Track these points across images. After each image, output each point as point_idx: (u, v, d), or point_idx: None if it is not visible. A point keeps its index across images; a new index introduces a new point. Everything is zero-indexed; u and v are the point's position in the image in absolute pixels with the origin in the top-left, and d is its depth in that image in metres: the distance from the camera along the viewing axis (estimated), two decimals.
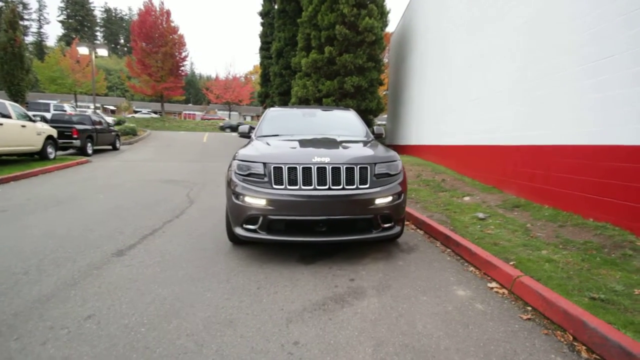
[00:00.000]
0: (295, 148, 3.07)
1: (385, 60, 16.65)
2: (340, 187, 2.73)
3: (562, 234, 3.47)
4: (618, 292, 2.23)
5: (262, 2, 18.88)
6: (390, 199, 2.85)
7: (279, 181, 2.74)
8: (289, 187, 2.72)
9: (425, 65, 10.42)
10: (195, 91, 62.67)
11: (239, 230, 2.88)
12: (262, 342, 1.80)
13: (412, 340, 1.80)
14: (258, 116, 55.56)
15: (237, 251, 3.18)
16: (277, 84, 16.00)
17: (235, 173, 2.94)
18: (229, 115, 49.11)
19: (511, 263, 2.69)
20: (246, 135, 4.21)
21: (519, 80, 5.24)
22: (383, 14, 12.58)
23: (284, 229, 2.79)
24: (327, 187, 2.72)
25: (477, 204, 4.96)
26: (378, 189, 2.82)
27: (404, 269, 2.81)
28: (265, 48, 18.99)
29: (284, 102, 16.35)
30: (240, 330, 1.90)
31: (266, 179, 2.78)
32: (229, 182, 2.99)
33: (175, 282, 2.52)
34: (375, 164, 2.88)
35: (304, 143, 3.27)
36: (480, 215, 4.24)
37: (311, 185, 2.72)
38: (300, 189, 2.71)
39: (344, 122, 4.37)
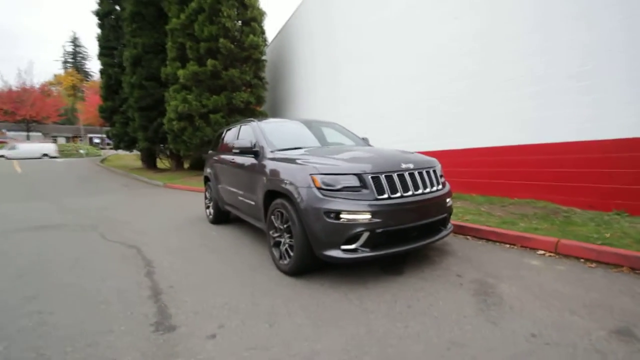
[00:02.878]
0: (370, 155, 2.95)
1: None
2: (428, 190, 2.84)
3: (512, 211, 4.66)
4: (599, 238, 3.30)
5: (98, 0, 15.43)
6: (450, 198, 3.16)
7: (381, 191, 2.59)
8: (392, 195, 2.61)
9: (316, 85, 11.25)
10: None
11: (335, 253, 2.51)
12: (522, 344, 1.75)
13: (584, 302, 2.17)
14: (76, 137, 44.15)
15: (310, 282, 2.72)
16: (136, 97, 13.45)
17: (321, 190, 2.56)
18: (27, 136, 37.00)
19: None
20: (249, 151, 3.60)
21: (428, 98, 6.61)
22: (262, 33, 12.82)
23: (385, 241, 2.64)
24: (420, 191, 2.77)
25: None
26: (447, 189, 3.08)
27: (468, 258, 3.13)
28: (107, 54, 15.50)
29: (148, 118, 13.95)
30: (489, 344, 1.76)
31: (366, 191, 2.56)
32: (309, 202, 2.56)
33: (314, 335, 1.98)
34: (436, 166, 3.13)
35: (363, 152, 3.16)
36: None
37: (409, 191, 2.70)
38: (402, 197, 2.65)
39: (340, 132, 4.38)
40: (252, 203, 3.57)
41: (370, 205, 2.51)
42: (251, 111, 12.87)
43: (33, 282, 2.93)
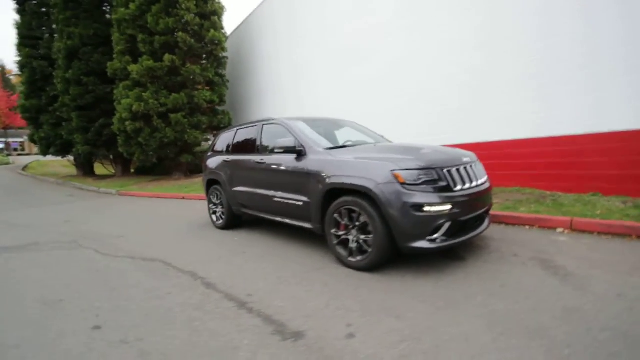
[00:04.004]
0: (432, 151, 3.11)
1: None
2: (482, 181, 3.12)
3: (506, 198, 5.26)
4: (593, 215, 3.95)
5: None
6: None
7: (454, 183, 2.78)
8: (463, 187, 2.82)
9: (282, 85, 11.10)
10: None
11: (422, 244, 2.65)
12: None
13: (630, 266, 2.62)
14: None
15: (390, 275, 2.81)
16: (73, 94, 11.75)
17: (404, 185, 2.66)
18: None
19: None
20: (292, 150, 3.52)
21: (396, 105, 7.08)
22: (222, 28, 12.22)
23: (458, 230, 2.84)
24: (480, 182, 3.03)
25: None
26: (489, 181, 3.41)
27: (507, 240, 3.50)
28: (30, 45, 13.13)
29: (89, 119, 12.35)
30: (595, 306, 2.06)
31: (443, 183, 2.73)
32: (394, 197, 2.65)
33: (449, 321, 2.09)
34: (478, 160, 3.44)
35: (424, 148, 3.29)
36: None
37: (473, 182, 2.94)
38: (470, 188, 2.88)
39: (360, 131, 4.47)
40: (299, 203, 3.50)
41: (449, 197, 2.70)
42: (213, 111, 12.25)
43: (77, 311, 2.52)
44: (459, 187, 2.79)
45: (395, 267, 2.94)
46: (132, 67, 10.45)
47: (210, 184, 5.18)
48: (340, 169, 3.07)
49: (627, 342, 1.73)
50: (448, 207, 2.67)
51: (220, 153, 5.03)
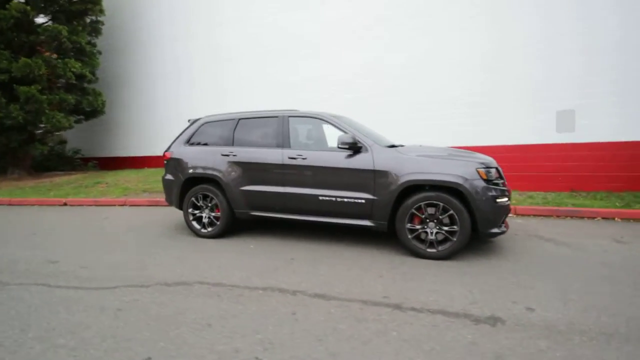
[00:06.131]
0: (474, 153, 3.67)
1: None
2: None
3: None
4: (516, 203, 5.57)
5: None
6: None
7: (503, 180, 3.45)
8: (505, 183, 3.53)
9: (193, 71, 9.65)
10: None
11: (497, 230, 3.22)
12: None
13: (581, 232, 3.97)
14: None
15: (472, 261, 3.23)
16: None
17: (487, 181, 3.15)
18: None
19: None
20: (352, 146, 3.41)
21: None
22: None
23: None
24: None
25: None
26: None
27: None
28: None
29: None
30: (618, 254, 3.08)
31: (501, 180, 3.35)
32: (481, 191, 3.08)
33: (567, 287, 2.70)
34: None
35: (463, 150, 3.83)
36: None
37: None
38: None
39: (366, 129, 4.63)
40: (360, 201, 3.41)
41: (508, 191, 3.36)
42: (83, 89, 9.34)
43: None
44: (504, 182, 3.50)
45: (461, 254, 3.37)
46: None
47: (190, 183, 4.16)
48: (419, 166, 3.25)
49: None
50: (507, 198, 3.33)
51: (207, 145, 4.15)
